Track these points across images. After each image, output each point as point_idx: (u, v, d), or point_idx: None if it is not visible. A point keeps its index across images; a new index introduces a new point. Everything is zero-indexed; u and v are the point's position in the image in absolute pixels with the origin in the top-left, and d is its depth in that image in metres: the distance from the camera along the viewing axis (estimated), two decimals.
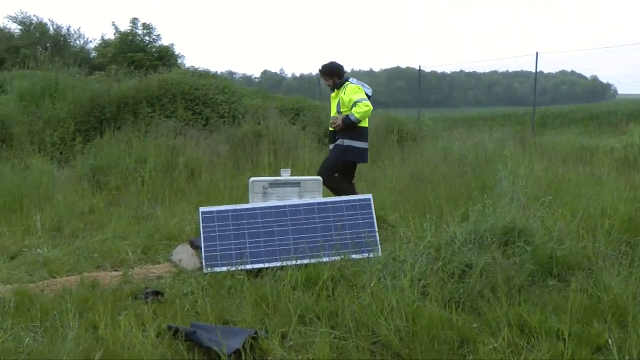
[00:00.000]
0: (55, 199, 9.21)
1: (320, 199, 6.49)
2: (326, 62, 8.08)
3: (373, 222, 6.28)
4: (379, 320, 4.25)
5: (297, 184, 6.66)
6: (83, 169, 10.77)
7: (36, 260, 6.47)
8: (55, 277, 6.01)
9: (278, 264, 5.72)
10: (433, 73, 58.80)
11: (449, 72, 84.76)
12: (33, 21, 35.59)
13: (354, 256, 5.69)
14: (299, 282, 5.11)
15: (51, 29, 35.86)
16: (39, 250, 6.87)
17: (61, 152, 12.47)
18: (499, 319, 4.34)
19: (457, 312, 4.46)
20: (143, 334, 4.22)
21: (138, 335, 4.15)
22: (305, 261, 5.60)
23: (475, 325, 4.32)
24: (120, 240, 7.15)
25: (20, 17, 35.34)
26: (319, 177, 6.85)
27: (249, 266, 5.78)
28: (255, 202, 6.49)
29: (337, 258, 5.57)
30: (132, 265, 6.31)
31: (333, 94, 8.00)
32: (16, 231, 7.71)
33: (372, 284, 4.86)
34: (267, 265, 5.79)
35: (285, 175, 6.79)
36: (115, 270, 6.23)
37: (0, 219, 8.17)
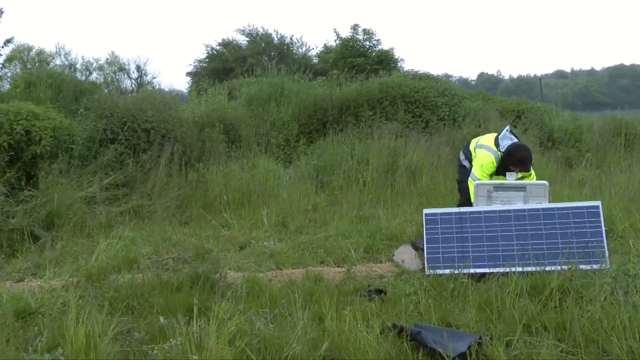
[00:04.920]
0: (281, 196, 9.68)
1: (546, 205, 6.23)
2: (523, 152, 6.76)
3: (601, 231, 5.89)
4: (611, 337, 3.99)
5: (522, 188, 6.44)
6: (307, 169, 11.20)
7: (263, 252, 6.87)
8: (281, 269, 6.34)
9: (501, 269, 5.57)
10: None
11: None
12: (259, 32, 37.77)
13: (581, 267, 5.39)
14: (524, 289, 4.95)
15: (275, 38, 37.80)
16: (265, 242, 7.29)
17: (285, 153, 13.07)
18: None
19: None
20: (367, 330, 4.29)
21: (363, 330, 4.23)
22: (530, 268, 5.41)
23: None
24: (343, 238, 7.35)
25: (247, 29, 37.72)
26: (545, 182, 6.58)
27: (471, 270, 5.71)
28: (480, 206, 6.39)
29: (563, 267, 5.31)
30: (355, 263, 6.47)
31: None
32: (245, 224, 8.23)
33: (602, 298, 4.59)
34: (490, 270, 5.67)
35: (511, 179, 6.61)
36: (338, 267, 6.42)
37: (231, 213, 8.76)
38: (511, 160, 6.68)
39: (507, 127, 7.03)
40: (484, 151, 6.88)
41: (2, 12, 16.37)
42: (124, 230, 7.40)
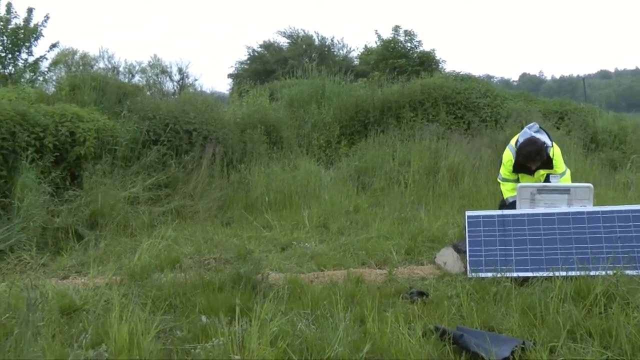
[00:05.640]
0: (322, 197, 9.68)
1: (591, 208, 6.11)
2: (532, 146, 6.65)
3: None
4: None
5: (566, 191, 6.33)
6: (348, 170, 11.19)
7: (305, 253, 6.85)
8: (322, 270, 6.31)
9: (545, 273, 5.48)
10: None
11: None
12: (300, 34, 38.10)
13: (627, 272, 5.26)
14: (568, 294, 4.85)
15: (316, 40, 38.07)
16: (307, 244, 7.27)
17: (327, 154, 13.08)
18: None
19: None
20: (409, 332, 4.26)
21: (405, 333, 4.20)
22: (574, 273, 5.31)
23: None
24: (384, 240, 7.30)
25: (288, 32, 38.10)
26: (590, 185, 6.47)
27: (514, 274, 5.61)
28: (523, 209, 6.31)
29: (608, 272, 5.18)
30: (396, 265, 6.42)
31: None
32: (286, 225, 8.24)
33: None
34: (533, 274, 5.58)
35: (555, 181, 6.52)
36: (379, 268, 6.38)
37: (272, 214, 8.79)
38: (520, 157, 6.69)
39: (532, 124, 6.95)
40: (507, 149, 6.99)
41: (47, 18, 16.76)
42: (167, 230, 7.47)
